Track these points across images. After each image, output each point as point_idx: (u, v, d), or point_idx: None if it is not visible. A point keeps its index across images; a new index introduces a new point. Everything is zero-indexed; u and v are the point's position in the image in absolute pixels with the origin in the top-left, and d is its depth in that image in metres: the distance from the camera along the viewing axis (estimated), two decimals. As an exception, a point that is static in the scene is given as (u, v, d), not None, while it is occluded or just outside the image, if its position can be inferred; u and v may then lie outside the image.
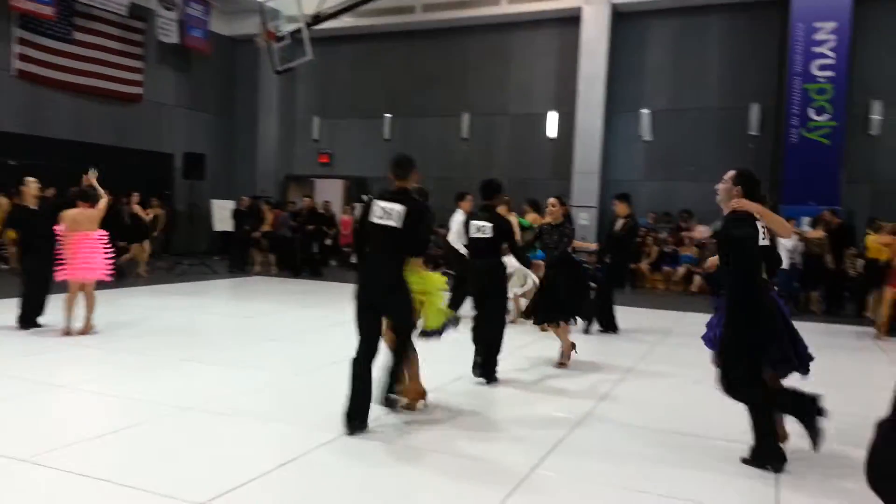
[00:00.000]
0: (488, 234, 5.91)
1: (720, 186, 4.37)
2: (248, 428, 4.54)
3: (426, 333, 4.82)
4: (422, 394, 4.98)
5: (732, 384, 4.02)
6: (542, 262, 8.46)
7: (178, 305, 9.82)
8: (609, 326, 8.62)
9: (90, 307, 7.43)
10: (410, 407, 4.89)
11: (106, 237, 7.54)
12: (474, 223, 6.08)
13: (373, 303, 4.43)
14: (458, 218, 8.62)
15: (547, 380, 6.16)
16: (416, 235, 4.44)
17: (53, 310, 7.60)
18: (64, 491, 3.49)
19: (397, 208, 4.40)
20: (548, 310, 6.55)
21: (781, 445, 4.08)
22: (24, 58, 14.95)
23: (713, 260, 4.64)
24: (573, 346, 6.69)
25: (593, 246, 9.62)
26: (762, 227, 4.07)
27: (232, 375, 5.97)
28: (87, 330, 7.37)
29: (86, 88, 16.22)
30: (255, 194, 16.21)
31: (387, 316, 4.51)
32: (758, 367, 4.03)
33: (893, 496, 2.47)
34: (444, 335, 4.93)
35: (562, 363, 6.58)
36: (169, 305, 9.72)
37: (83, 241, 7.32)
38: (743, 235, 3.99)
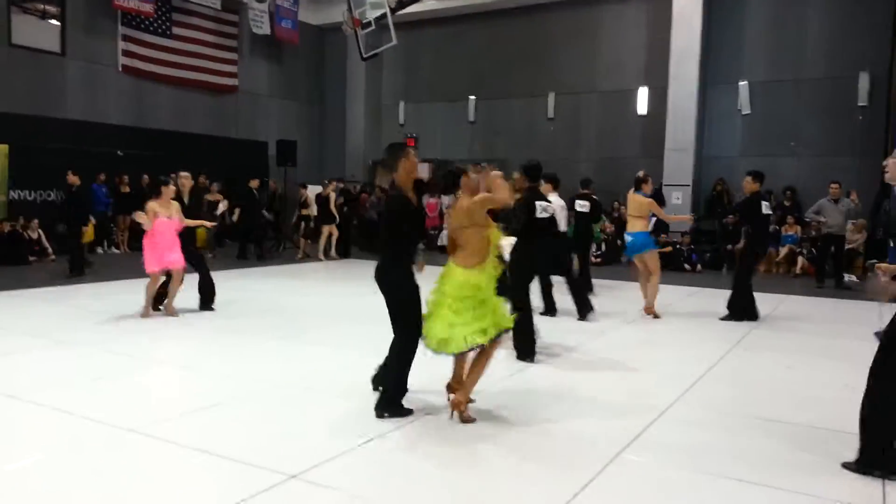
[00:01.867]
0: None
1: (890, 161, 3.80)
2: (337, 404, 4.65)
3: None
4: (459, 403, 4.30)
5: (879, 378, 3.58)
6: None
7: (274, 287, 10.17)
8: (746, 313, 7.97)
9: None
10: (464, 418, 4.26)
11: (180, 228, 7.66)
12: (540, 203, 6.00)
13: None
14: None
15: (626, 363, 5.99)
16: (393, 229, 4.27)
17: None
18: (165, 460, 3.70)
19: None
20: None
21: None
22: (127, 53, 15.80)
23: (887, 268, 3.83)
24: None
25: (688, 217, 9.05)
26: None
27: (323, 354, 6.13)
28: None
29: (185, 81, 16.99)
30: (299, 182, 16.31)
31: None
32: None
33: None
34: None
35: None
36: (265, 287, 10.08)
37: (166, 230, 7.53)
38: None
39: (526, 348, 5.83)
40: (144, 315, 7.50)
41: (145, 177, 14.64)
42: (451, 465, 3.67)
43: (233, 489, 3.29)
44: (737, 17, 15.29)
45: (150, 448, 3.83)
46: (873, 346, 6.96)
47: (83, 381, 5.14)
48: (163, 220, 7.42)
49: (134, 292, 8.66)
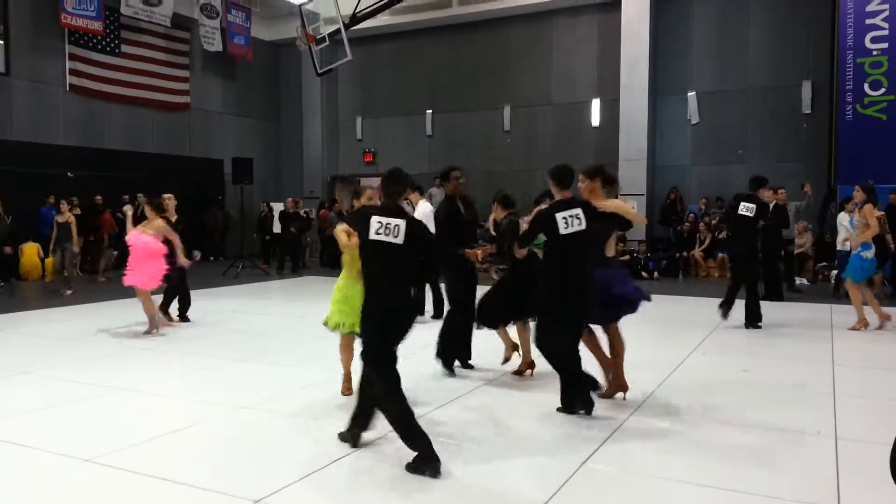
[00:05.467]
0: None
1: None
2: (301, 426, 4.60)
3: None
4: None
5: None
6: None
7: (233, 308, 10.02)
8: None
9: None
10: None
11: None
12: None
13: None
14: None
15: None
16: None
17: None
18: (125, 490, 3.60)
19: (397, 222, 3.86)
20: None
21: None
22: (75, 73, 15.45)
23: None
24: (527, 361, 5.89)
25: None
26: None
27: (287, 375, 6.06)
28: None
29: (136, 100, 16.67)
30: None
31: None
32: None
33: None
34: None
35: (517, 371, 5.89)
36: (225, 308, 9.92)
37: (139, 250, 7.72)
38: None
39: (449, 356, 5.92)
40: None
41: (98, 198, 14.35)
42: (413, 486, 3.66)
43: (195, 517, 3.23)
44: (683, 29, 15.71)
45: (108, 478, 3.73)
46: (827, 346, 7.15)
47: (36, 411, 4.98)
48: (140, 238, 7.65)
49: (88, 318, 8.46)
